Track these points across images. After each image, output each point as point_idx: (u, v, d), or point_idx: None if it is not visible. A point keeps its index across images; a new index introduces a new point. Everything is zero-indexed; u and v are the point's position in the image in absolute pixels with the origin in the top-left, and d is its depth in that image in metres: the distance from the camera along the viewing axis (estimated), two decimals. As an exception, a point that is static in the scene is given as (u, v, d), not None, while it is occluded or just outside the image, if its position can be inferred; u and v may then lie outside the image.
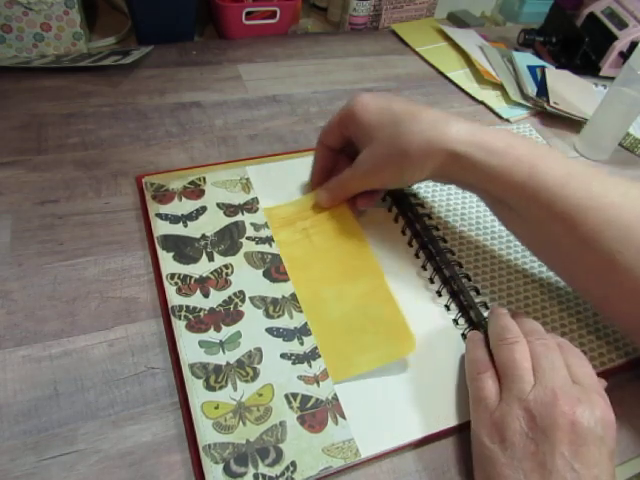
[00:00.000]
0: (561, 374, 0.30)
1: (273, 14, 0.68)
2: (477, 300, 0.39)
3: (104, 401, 0.32)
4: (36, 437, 0.30)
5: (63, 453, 0.30)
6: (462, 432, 0.33)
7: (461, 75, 0.69)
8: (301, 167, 0.48)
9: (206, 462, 0.29)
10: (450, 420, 0.33)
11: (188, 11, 0.63)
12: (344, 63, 0.68)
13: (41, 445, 0.30)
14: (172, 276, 0.38)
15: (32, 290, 0.37)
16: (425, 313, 0.39)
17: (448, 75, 0.69)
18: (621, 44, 0.70)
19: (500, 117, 0.63)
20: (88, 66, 0.56)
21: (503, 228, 0.44)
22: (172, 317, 0.35)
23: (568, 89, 0.67)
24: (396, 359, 0.35)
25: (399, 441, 0.32)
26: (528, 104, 0.65)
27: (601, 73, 0.73)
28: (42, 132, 0.49)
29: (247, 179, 0.45)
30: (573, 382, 0.30)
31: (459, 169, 0.35)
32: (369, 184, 0.40)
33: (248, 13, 0.66)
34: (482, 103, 0.65)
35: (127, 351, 0.34)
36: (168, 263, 0.38)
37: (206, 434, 0.30)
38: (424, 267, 0.41)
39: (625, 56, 0.70)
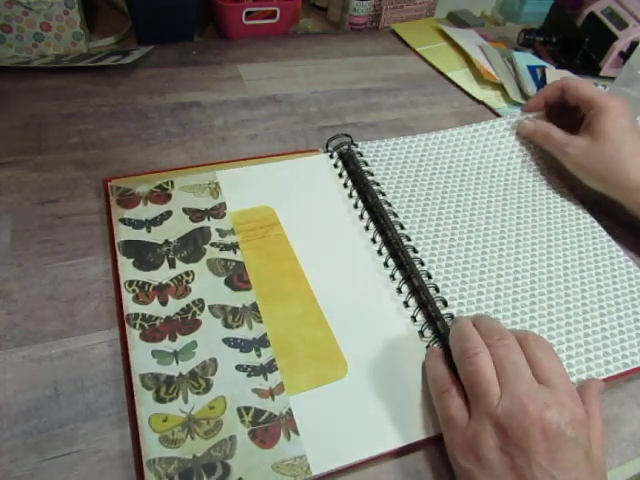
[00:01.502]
0: (526, 378, 0.29)
1: (273, 14, 0.68)
2: (444, 312, 0.38)
3: (104, 401, 0.32)
4: (36, 437, 0.30)
5: (63, 453, 0.30)
6: (425, 448, 0.33)
7: (461, 75, 0.69)
8: (273, 171, 0.47)
9: (149, 477, 0.28)
10: (412, 435, 0.32)
11: (188, 11, 0.63)
12: (344, 63, 0.68)
13: (41, 445, 0.30)
14: (130, 283, 0.37)
15: (32, 290, 0.36)
16: (391, 324, 0.38)
17: (448, 75, 0.69)
18: (621, 44, 0.70)
19: (500, 117, 0.63)
20: (88, 66, 0.56)
21: (480, 240, 0.44)
22: (127, 325, 0.35)
23: (568, 89, 0.67)
24: (328, 383, 0.34)
25: (356, 457, 0.31)
26: (528, 104, 0.65)
27: (601, 73, 0.73)
28: (42, 132, 0.49)
29: (216, 184, 0.45)
30: (540, 383, 0.30)
31: None
32: (567, 158, 0.49)
33: (248, 13, 0.66)
34: (482, 103, 0.65)
35: (127, 351, 0.34)
36: (127, 269, 0.38)
37: (151, 448, 0.29)
38: (392, 277, 0.40)
39: (625, 56, 0.70)
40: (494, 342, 0.32)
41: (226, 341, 0.35)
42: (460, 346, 0.32)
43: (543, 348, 0.32)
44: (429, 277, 0.40)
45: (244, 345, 0.35)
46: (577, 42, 0.72)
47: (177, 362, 0.33)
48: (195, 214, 0.42)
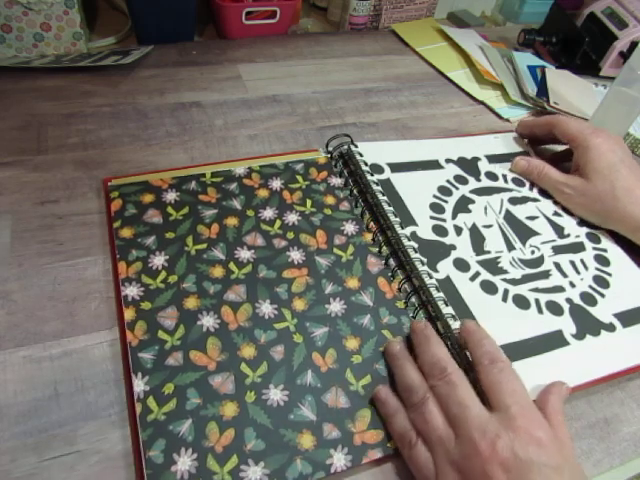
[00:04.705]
0: (473, 413, 0.29)
1: (273, 14, 0.68)
2: (445, 312, 0.37)
3: (104, 401, 0.32)
4: (36, 438, 0.30)
5: (63, 454, 0.29)
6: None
7: (461, 75, 0.69)
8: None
9: None
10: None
11: (188, 11, 0.63)
12: (344, 63, 0.68)
13: (41, 446, 0.30)
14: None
15: (32, 290, 0.36)
16: None
17: (448, 75, 0.69)
18: (621, 44, 0.70)
19: (500, 117, 0.63)
20: (88, 66, 0.56)
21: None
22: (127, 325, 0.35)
23: (568, 89, 0.67)
24: None
25: None
26: (528, 104, 0.65)
27: (601, 73, 0.73)
28: (42, 132, 0.49)
29: None
30: (493, 409, 0.29)
31: None
32: (564, 198, 0.49)
33: (248, 13, 0.66)
34: (482, 103, 0.65)
35: (127, 351, 0.34)
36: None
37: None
38: (392, 276, 0.40)
39: (625, 56, 0.70)
40: (436, 382, 0.31)
41: None
42: (406, 398, 0.32)
43: (497, 370, 0.31)
44: (430, 277, 0.40)
45: None
46: (577, 42, 0.72)
47: None
48: None
